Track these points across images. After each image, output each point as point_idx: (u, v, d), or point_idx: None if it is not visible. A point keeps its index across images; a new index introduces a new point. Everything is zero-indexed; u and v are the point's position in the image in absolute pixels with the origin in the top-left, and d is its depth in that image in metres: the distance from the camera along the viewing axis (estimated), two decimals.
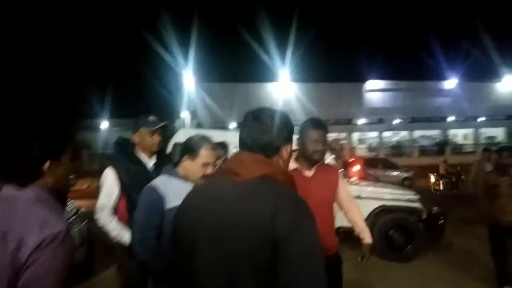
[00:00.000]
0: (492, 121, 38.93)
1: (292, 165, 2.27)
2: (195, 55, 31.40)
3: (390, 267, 5.20)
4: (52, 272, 1.09)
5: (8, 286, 1.03)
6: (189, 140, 2.20)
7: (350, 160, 21.54)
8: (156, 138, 2.66)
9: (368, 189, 5.91)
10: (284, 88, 36.20)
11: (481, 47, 39.27)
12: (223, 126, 34.44)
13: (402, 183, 15.65)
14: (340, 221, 2.56)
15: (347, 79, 38.25)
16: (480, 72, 39.90)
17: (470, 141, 39.30)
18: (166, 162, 2.64)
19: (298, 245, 1.00)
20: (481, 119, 39.16)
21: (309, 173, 2.33)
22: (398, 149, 37.27)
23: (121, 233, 2.45)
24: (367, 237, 2.49)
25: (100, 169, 2.94)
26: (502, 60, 38.08)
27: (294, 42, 32.71)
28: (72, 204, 4.95)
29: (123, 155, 2.64)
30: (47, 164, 1.22)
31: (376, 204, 5.75)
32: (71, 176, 1.38)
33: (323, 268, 1.04)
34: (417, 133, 39.52)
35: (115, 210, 2.55)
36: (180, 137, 7.37)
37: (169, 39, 29.51)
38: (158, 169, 2.53)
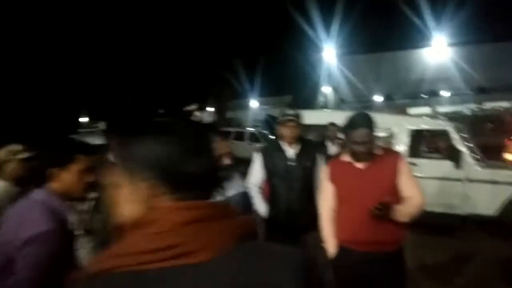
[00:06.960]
0: None
1: (346, 157, 2.31)
2: (337, 28, 30.50)
3: None
4: (33, 266, 1.30)
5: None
6: None
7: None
8: (288, 129, 2.85)
9: (504, 173, 5.11)
10: (438, 53, 31.97)
11: None
12: (367, 101, 32.93)
13: None
14: None
15: None
16: None
17: None
18: (307, 150, 2.93)
19: None
20: None
21: (362, 165, 2.23)
22: None
23: (260, 206, 2.99)
24: (397, 213, 2.11)
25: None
26: None
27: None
28: None
29: (269, 143, 3.24)
30: (49, 171, 1.48)
31: None
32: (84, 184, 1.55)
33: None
34: None
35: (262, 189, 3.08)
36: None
37: (312, 13, 29.32)
38: (299, 157, 2.86)
